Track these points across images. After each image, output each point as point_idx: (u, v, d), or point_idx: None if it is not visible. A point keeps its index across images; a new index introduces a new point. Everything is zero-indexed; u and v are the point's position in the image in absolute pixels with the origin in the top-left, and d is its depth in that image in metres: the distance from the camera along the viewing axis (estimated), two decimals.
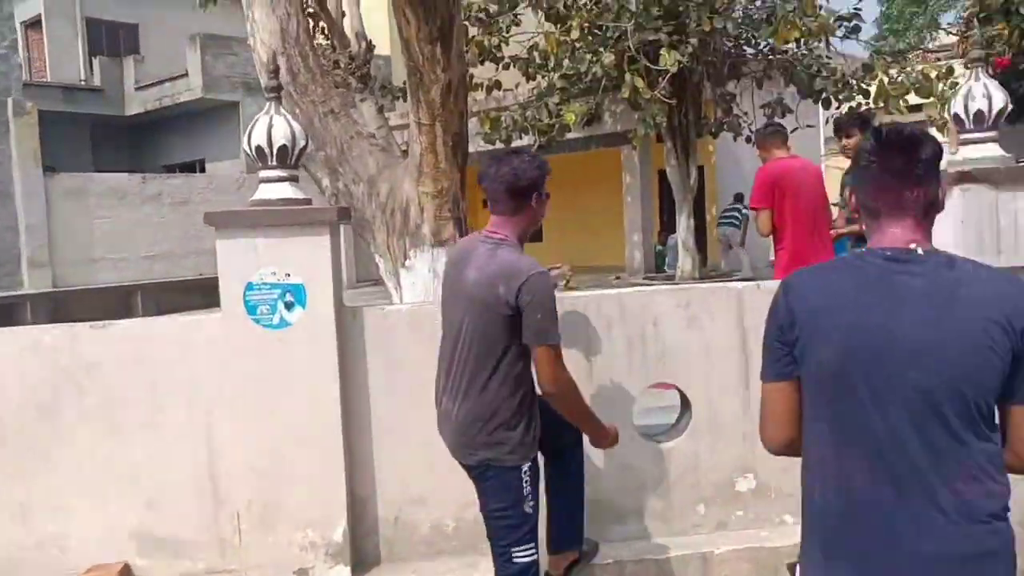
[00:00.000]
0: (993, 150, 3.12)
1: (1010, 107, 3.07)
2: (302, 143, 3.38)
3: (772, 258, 5.50)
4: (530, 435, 2.62)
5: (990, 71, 6.36)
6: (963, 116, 3.13)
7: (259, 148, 3.27)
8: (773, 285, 3.09)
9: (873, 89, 12.78)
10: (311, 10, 14.75)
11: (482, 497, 2.66)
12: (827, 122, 14.24)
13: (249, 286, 3.07)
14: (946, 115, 9.12)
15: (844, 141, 5.20)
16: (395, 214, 6.31)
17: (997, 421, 1.66)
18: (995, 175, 3.00)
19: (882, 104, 12.20)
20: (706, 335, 3.01)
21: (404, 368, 3.12)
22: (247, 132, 3.34)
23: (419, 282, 6.28)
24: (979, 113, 3.09)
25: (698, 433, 3.20)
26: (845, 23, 12.18)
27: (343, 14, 14.21)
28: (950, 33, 24.80)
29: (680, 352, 3.01)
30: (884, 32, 19.64)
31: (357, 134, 6.83)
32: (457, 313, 2.67)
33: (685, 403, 3.23)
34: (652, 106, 11.01)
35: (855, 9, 12.30)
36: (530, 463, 2.63)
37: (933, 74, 11.07)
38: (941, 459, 1.60)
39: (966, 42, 6.90)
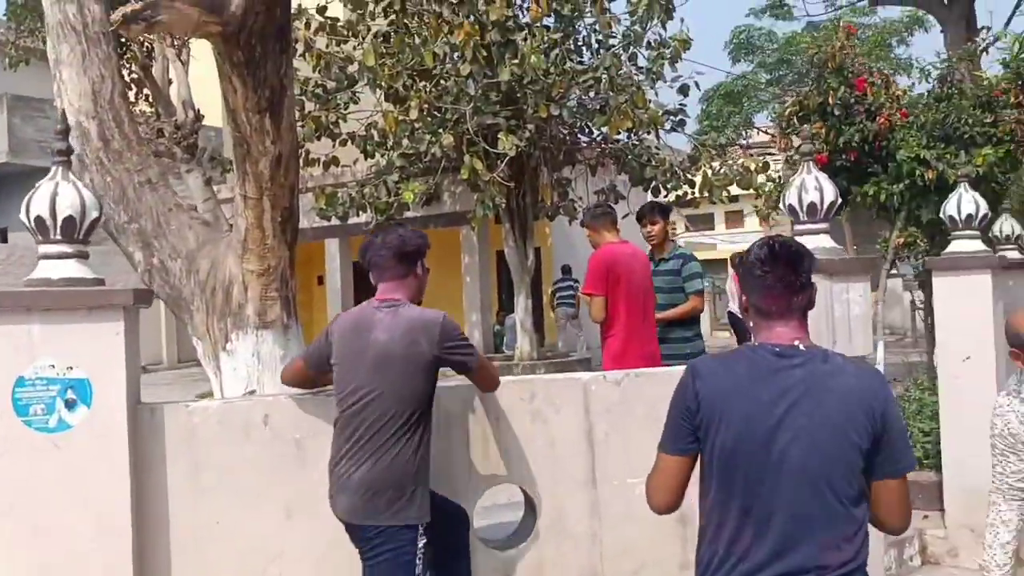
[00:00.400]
0: (825, 241, 3.18)
1: (839, 201, 3.15)
2: (94, 214, 2.96)
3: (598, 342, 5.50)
4: (426, 495, 2.67)
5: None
6: (797, 208, 3.18)
7: (39, 219, 2.83)
8: (618, 376, 2.96)
9: (698, 179, 13.52)
10: (134, 75, 14.03)
11: (371, 568, 2.62)
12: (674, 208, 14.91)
13: (19, 382, 2.58)
14: (762, 205, 9.75)
15: (649, 228, 5.37)
16: (216, 293, 5.85)
17: (865, 493, 1.95)
18: (830, 266, 3.04)
19: (706, 193, 12.90)
20: (551, 429, 2.82)
21: (214, 473, 2.71)
22: (25, 201, 2.88)
23: (242, 367, 5.81)
24: (812, 205, 3.15)
25: (543, 539, 2.98)
26: (672, 117, 12.88)
27: (170, 81, 13.48)
28: (763, 132, 27.02)
29: (524, 448, 2.80)
30: (704, 128, 21.02)
31: (176, 206, 6.34)
32: (361, 378, 2.68)
33: (529, 504, 3.00)
34: (491, 188, 11.07)
35: (681, 105, 13.05)
36: (425, 527, 2.63)
37: (752, 167, 11.83)
38: (817, 526, 1.87)
39: (786, 139, 7.38)
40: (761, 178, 12.04)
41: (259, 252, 5.58)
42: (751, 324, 2.08)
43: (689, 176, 13.42)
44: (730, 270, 12.01)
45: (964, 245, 4.28)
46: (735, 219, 46.14)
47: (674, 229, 14.84)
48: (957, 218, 4.28)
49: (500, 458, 2.77)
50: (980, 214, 4.25)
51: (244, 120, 5.34)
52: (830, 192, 3.14)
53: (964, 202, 4.25)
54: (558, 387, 2.86)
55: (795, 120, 6.97)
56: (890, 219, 7.12)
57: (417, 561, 2.58)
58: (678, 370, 3.01)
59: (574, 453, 2.87)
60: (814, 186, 3.13)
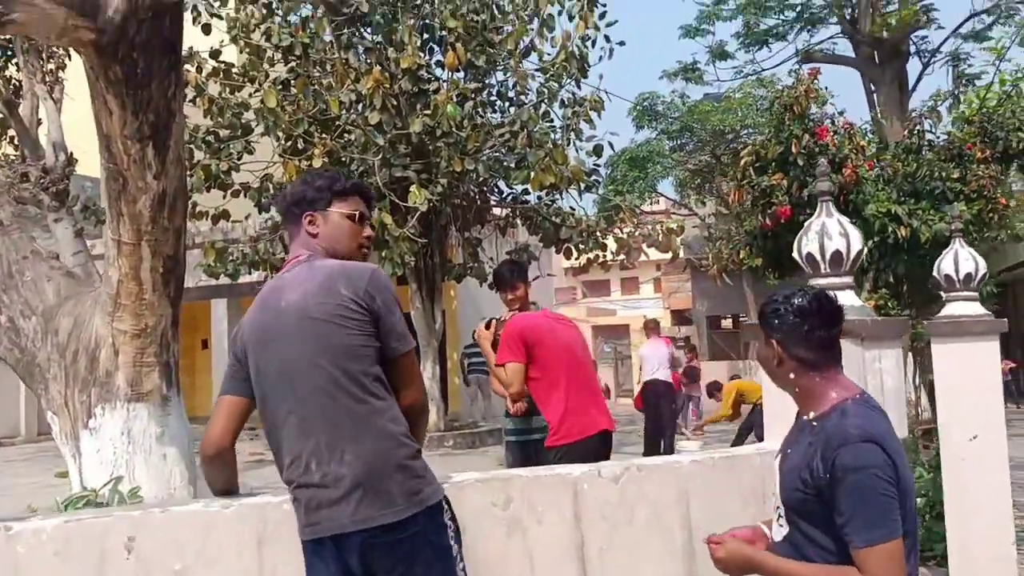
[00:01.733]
0: (853, 298, 2.66)
1: (864, 250, 2.64)
2: None
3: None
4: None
5: (768, 221, 6.48)
6: (818, 257, 2.65)
7: None
8: (615, 471, 2.30)
9: (610, 241, 13.23)
10: None
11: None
12: (567, 273, 14.54)
13: None
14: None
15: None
16: (79, 358, 4.96)
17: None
18: (863, 329, 2.52)
19: (623, 256, 12.59)
20: (530, 542, 2.13)
21: None
22: None
23: (107, 449, 4.90)
24: (836, 254, 2.64)
25: None
26: (587, 177, 12.59)
27: (39, 121, 12.31)
28: (665, 197, 27.47)
29: (498, 571, 2.09)
30: (609, 192, 21.03)
31: (34, 253, 5.43)
32: (284, 352, 2.18)
33: None
34: (400, 244, 10.39)
35: (595, 165, 12.80)
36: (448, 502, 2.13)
37: (674, 225, 11.62)
38: None
39: (741, 190, 7.04)
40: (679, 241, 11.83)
41: (135, 309, 4.75)
42: (791, 376, 2.03)
43: (602, 239, 13.12)
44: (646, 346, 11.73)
45: (964, 308, 3.89)
46: (631, 285, 46.94)
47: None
48: (955, 277, 3.90)
49: None
50: (979, 273, 3.88)
51: (121, 149, 4.54)
52: (857, 239, 2.64)
53: (962, 259, 3.88)
54: (541, 488, 2.17)
55: (751, 171, 6.61)
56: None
57: (450, 529, 2.05)
58: (681, 463, 2.43)
59: (561, 572, 2.19)
60: (838, 231, 2.63)
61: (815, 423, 1.96)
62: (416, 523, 2.03)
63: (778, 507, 2.02)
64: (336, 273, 2.25)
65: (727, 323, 35.55)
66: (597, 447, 4.20)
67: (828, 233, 2.66)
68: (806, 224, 2.75)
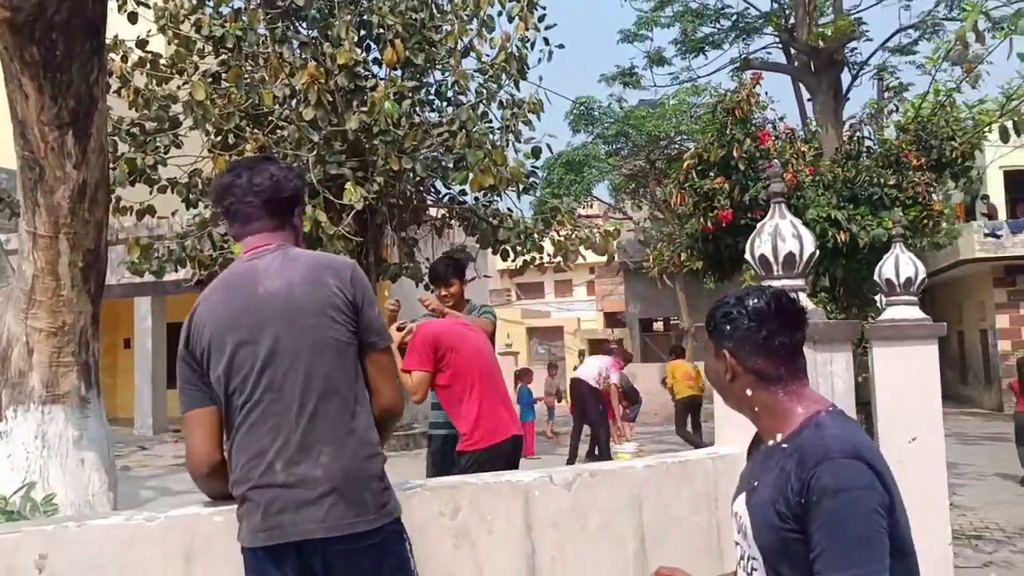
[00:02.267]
0: (805, 301, 2.62)
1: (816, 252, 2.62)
2: None
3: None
4: None
5: (710, 224, 6.50)
6: (771, 259, 2.61)
7: None
8: (567, 476, 2.22)
9: (547, 244, 13.21)
10: None
11: None
12: (503, 275, 14.50)
13: None
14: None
15: (444, 292, 4.84)
16: None
17: None
18: (815, 331, 2.48)
19: (560, 258, 12.58)
20: (479, 553, 2.02)
21: None
22: None
23: (19, 454, 4.65)
24: (790, 256, 2.60)
25: None
26: (524, 179, 12.54)
27: None
28: (600, 201, 27.69)
29: None
30: (545, 195, 21.09)
31: None
32: (260, 346, 2.00)
33: None
34: (335, 243, 10.14)
35: (533, 167, 12.77)
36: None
37: (611, 228, 11.66)
38: None
39: (682, 193, 7.04)
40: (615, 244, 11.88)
41: (51, 305, 4.51)
42: (747, 393, 1.75)
43: (539, 241, 13.09)
44: (602, 362, 11.75)
45: (903, 312, 3.93)
46: (564, 288, 47.33)
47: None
48: (895, 281, 3.94)
49: None
50: (919, 277, 3.92)
51: (37, 136, 4.31)
52: (810, 242, 2.62)
53: (902, 264, 3.92)
54: (491, 495, 2.06)
55: (693, 174, 6.62)
56: None
57: (411, 558, 1.92)
58: (634, 468, 2.35)
59: None
60: (792, 233, 2.60)
61: (785, 444, 1.66)
62: (383, 533, 1.90)
63: (752, 558, 1.68)
64: (321, 263, 2.16)
65: (659, 325, 36.08)
66: (509, 452, 4.16)
67: (782, 235, 2.63)
68: (759, 225, 2.72)
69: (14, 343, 4.37)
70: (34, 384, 4.39)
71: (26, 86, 4.08)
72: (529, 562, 2.10)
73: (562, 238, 12.66)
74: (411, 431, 13.05)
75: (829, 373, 2.55)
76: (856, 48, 15.26)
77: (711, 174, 6.70)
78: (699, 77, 18.70)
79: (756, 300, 1.73)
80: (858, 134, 6.79)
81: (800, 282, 2.70)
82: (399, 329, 4.59)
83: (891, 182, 6.00)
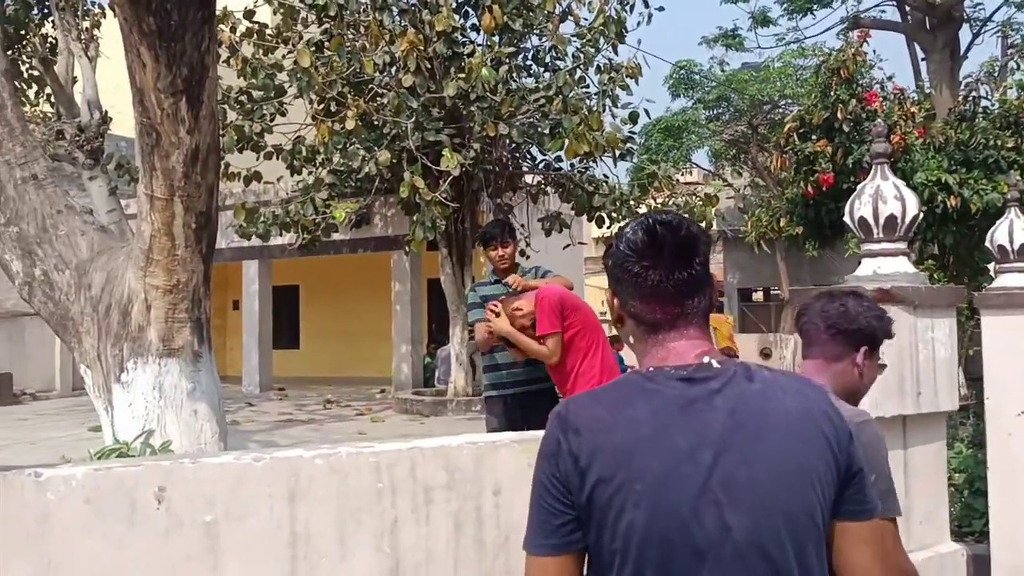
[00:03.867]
0: (905, 265, 2.54)
1: (918, 215, 2.52)
2: None
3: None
4: None
5: (810, 189, 6.31)
6: (870, 221, 2.53)
7: None
8: None
9: (643, 210, 13.08)
10: (34, 71, 12.84)
11: None
12: (598, 242, 14.44)
13: None
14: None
15: (500, 252, 4.74)
16: (111, 312, 4.99)
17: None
18: (915, 297, 2.40)
19: None
20: None
21: None
22: None
23: (139, 403, 4.95)
24: (891, 219, 2.52)
25: None
26: (622, 144, 12.42)
27: (74, 80, 12.40)
28: (700, 167, 27.12)
29: None
30: (643, 161, 20.79)
31: (68, 208, 5.44)
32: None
33: None
34: (432, 209, 10.32)
35: (631, 133, 12.60)
36: None
37: (711, 195, 11.48)
38: None
39: (783, 158, 6.84)
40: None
41: (167, 264, 4.76)
42: (630, 340, 1.48)
43: (635, 208, 12.95)
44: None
45: (1016, 280, 3.75)
46: None
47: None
48: (1008, 248, 3.76)
49: (497, 549, 1.98)
50: None
51: (154, 103, 4.52)
52: (913, 204, 2.52)
53: (1017, 229, 3.73)
54: None
55: (795, 137, 6.41)
56: None
57: None
58: None
59: None
60: (894, 195, 2.50)
61: None
62: None
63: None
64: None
65: (758, 296, 35.23)
66: None
67: (883, 196, 2.53)
68: (859, 187, 2.64)
69: (134, 299, 4.65)
70: (151, 338, 4.66)
71: (143, 55, 4.26)
72: None
73: (659, 204, 12.51)
74: None
75: (930, 340, 2.47)
76: (979, 3, 14.36)
77: (813, 137, 6.45)
78: (806, 38, 18.02)
79: (630, 230, 1.46)
80: (974, 94, 6.38)
81: (901, 245, 2.61)
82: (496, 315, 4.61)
83: (1009, 144, 5.65)
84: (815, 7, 14.34)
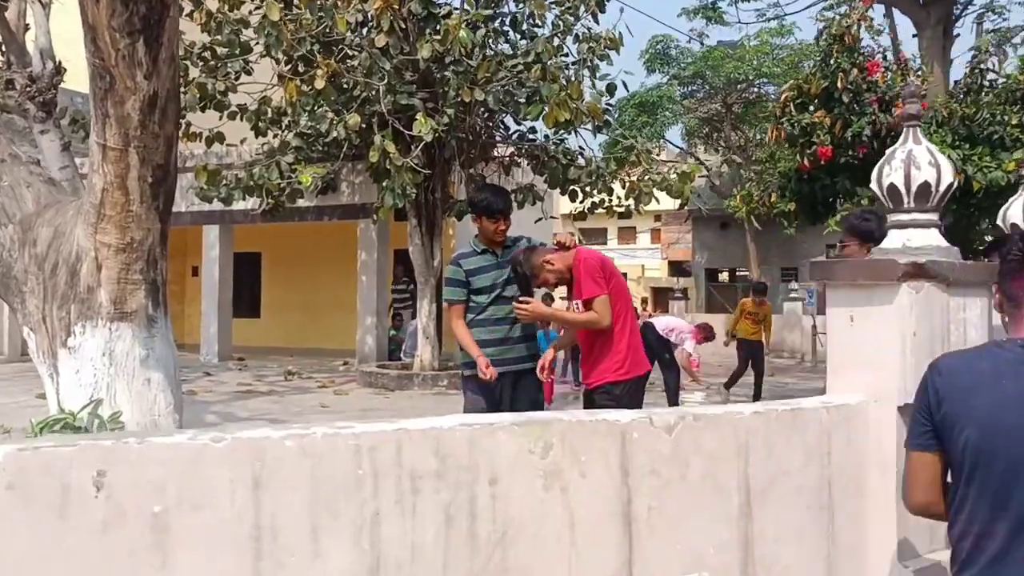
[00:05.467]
0: (937, 238, 2.33)
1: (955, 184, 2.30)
2: None
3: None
4: None
5: (806, 162, 6.09)
6: (902, 189, 2.32)
7: None
8: (667, 420, 2.01)
9: (617, 186, 12.84)
10: None
11: None
12: (569, 218, 14.19)
13: None
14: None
15: (503, 225, 4.44)
16: (58, 271, 4.68)
17: None
18: (950, 272, 2.20)
19: (632, 200, 12.23)
20: (571, 500, 1.84)
21: None
22: None
23: (87, 369, 4.64)
24: (924, 187, 2.30)
25: None
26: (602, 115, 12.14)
27: (26, 27, 11.78)
28: (673, 144, 27.00)
29: (532, 530, 1.80)
30: (616, 136, 20.55)
31: (12, 157, 5.09)
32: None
33: None
34: (403, 175, 9.98)
35: (608, 105, 12.33)
36: None
37: (688, 169, 11.28)
38: None
39: (779, 129, 6.61)
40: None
41: (120, 221, 4.44)
42: (1005, 319, 1.94)
43: (609, 182, 12.70)
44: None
45: None
46: (628, 235, 46.57)
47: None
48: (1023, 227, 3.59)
49: (492, 546, 1.75)
50: None
51: (108, 43, 4.19)
52: (948, 170, 2.32)
53: None
54: (586, 434, 1.87)
55: (792, 107, 6.17)
56: None
57: None
58: (742, 414, 2.14)
59: (605, 536, 1.88)
60: (928, 160, 2.29)
61: None
62: None
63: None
64: None
65: (724, 276, 35.36)
66: (644, 385, 4.19)
67: (916, 161, 2.32)
68: (888, 152, 2.42)
69: (83, 258, 4.32)
70: (102, 300, 4.34)
71: None
72: (624, 510, 1.90)
73: (635, 179, 12.27)
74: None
75: (962, 320, 2.28)
76: None
77: (810, 108, 6.23)
78: (787, 15, 17.80)
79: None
80: (982, 66, 6.18)
81: (933, 216, 2.41)
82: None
83: (1014, 121, 5.47)
84: None
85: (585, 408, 4.35)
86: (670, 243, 41.89)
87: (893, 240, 2.38)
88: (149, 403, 4.31)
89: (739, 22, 17.73)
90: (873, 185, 2.44)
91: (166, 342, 4.48)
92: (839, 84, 5.83)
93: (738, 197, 8.26)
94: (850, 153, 5.95)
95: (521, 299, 4.29)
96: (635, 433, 1.92)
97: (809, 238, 23.85)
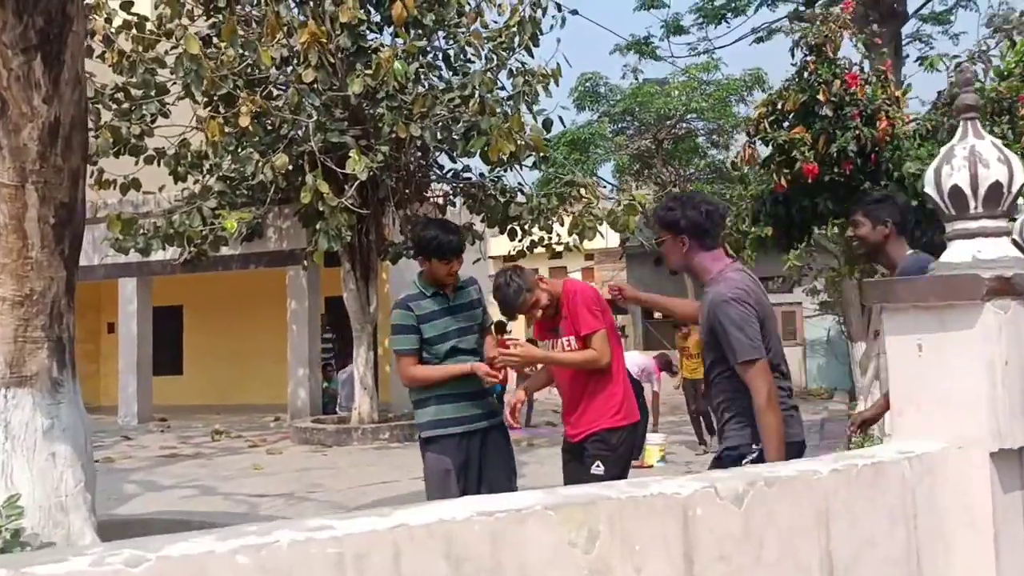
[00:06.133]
0: (1010, 248, 1.99)
1: None
2: None
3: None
4: None
5: (783, 182, 5.77)
6: (967, 191, 1.97)
7: None
8: (735, 488, 1.59)
9: (556, 224, 12.55)
10: None
11: None
12: (506, 256, 13.81)
13: None
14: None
15: (456, 266, 3.97)
16: None
17: None
18: (1020, 284, 1.84)
19: (574, 236, 11.94)
20: None
21: None
22: None
23: None
24: (995, 188, 1.97)
25: None
26: (546, 148, 11.88)
27: None
28: (605, 181, 27.00)
29: None
30: (548, 174, 20.38)
31: None
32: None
33: None
34: (337, 216, 9.47)
35: (545, 140, 12.09)
36: None
37: (635, 202, 11.05)
38: None
39: (752, 148, 6.33)
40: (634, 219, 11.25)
41: (17, 269, 3.89)
42: None
43: (548, 219, 12.39)
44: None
45: None
46: (559, 275, 46.56)
47: None
48: None
49: None
50: None
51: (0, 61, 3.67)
52: (1021, 169, 1.98)
53: None
54: (639, 514, 1.42)
55: (766, 126, 5.88)
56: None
57: None
58: (819, 474, 1.73)
59: None
60: (996, 156, 1.96)
61: None
62: None
63: None
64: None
65: (660, 313, 35.47)
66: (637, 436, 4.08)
67: (982, 158, 1.98)
68: (944, 150, 2.09)
69: None
70: None
71: None
72: None
73: (577, 214, 11.99)
74: (414, 420, 12.41)
75: None
76: None
77: (784, 125, 5.97)
78: (717, 48, 17.99)
79: None
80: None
81: (1004, 224, 2.07)
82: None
83: (999, 132, 5.28)
84: (728, 15, 14.22)
85: (568, 464, 3.89)
86: (604, 281, 42.01)
87: (959, 252, 2.03)
88: (54, 482, 3.70)
89: (672, 56, 17.75)
90: (928, 189, 2.10)
91: (74, 408, 3.88)
92: (821, 97, 5.56)
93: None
94: (835, 170, 5.69)
95: (508, 340, 3.83)
96: (698, 508, 1.49)
97: (771, 263, 24.03)
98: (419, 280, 4.06)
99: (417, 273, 4.15)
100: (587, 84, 24.52)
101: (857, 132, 5.49)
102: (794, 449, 3.00)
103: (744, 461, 2.95)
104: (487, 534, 1.27)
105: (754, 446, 2.97)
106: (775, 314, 3.15)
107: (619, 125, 25.21)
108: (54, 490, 3.69)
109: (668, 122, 24.37)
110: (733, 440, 3.06)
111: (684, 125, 25.03)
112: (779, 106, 5.86)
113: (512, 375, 9.69)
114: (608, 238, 21.83)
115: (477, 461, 3.85)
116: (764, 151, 6.04)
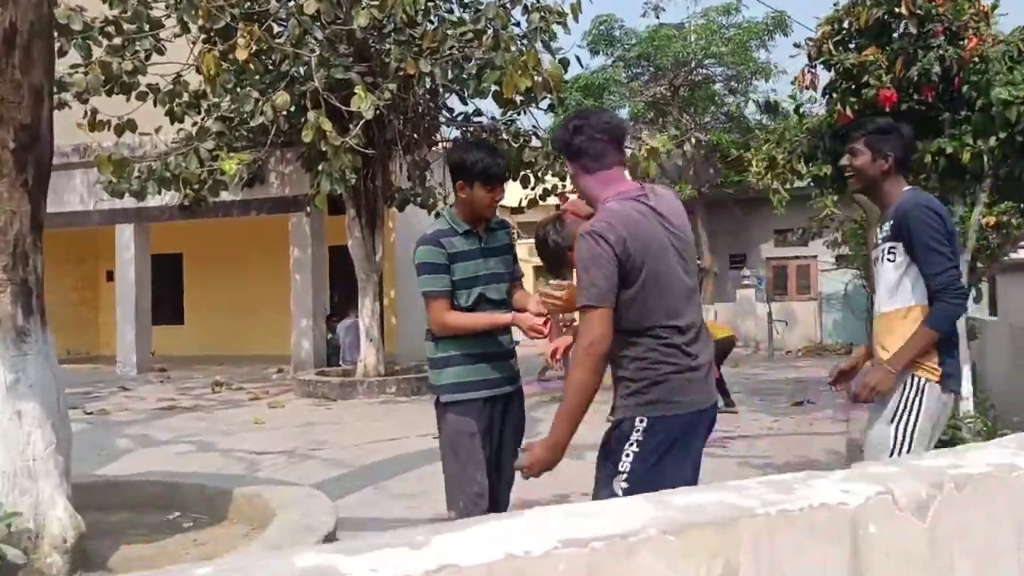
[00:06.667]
0: None
1: None
2: None
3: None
4: None
5: (849, 112, 5.16)
6: None
7: None
8: (916, 494, 1.13)
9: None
10: None
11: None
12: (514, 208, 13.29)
13: None
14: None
15: (499, 196, 3.45)
16: None
17: None
18: None
19: None
20: None
21: None
22: None
23: None
24: None
25: None
26: (564, 85, 11.27)
27: None
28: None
29: None
30: (560, 122, 19.73)
31: None
32: (672, 259, 2.60)
33: None
34: (341, 157, 8.94)
35: (563, 81, 11.47)
36: None
37: (657, 145, 10.51)
38: None
39: (810, 73, 5.72)
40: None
41: None
42: None
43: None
44: None
45: None
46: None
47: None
48: None
49: None
50: None
51: None
52: None
53: None
54: (794, 535, 0.99)
55: (830, 47, 5.24)
56: (968, 189, 5.43)
57: None
58: (1017, 469, 1.30)
59: None
60: None
61: None
62: None
63: None
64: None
65: None
66: None
67: None
68: None
69: None
70: None
71: None
72: None
73: None
74: (421, 374, 12.00)
75: None
76: None
77: (851, 45, 5.32)
78: None
79: None
80: None
81: None
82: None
83: None
84: None
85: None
86: None
87: None
88: (20, 444, 3.28)
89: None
90: None
91: (44, 361, 3.44)
92: (904, 9, 4.87)
93: (754, 162, 7.32)
94: (915, 97, 5.04)
95: (553, 282, 3.29)
96: (871, 524, 1.05)
97: (756, 222, 23.39)
98: (449, 214, 3.53)
99: (449, 206, 3.67)
100: (601, 27, 23.70)
101: (942, 52, 4.85)
102: (692, 418, 2.55)
103: (625, 451, 2.52)
104: (581, 570, 0.81)
105: (638, 420, 2.51)
106: (691, 250, 2.67)
107: (634, 70, 24.43)
108: (20, 454, 3.27)
109: (685, 68, 23.59)
110: (618, 412, 2.61)
111: (702, 71, 24.25)
112: (846, 24, 5.23)
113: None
114: None
115: (499, 429, 3.40)
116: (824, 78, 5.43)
